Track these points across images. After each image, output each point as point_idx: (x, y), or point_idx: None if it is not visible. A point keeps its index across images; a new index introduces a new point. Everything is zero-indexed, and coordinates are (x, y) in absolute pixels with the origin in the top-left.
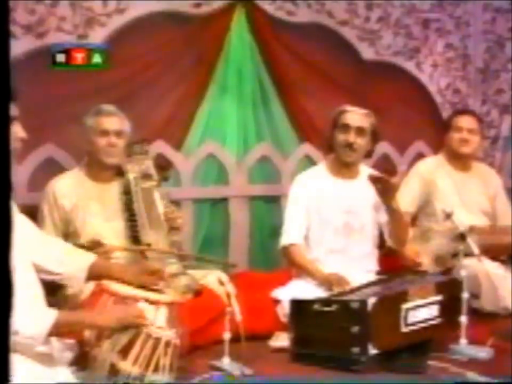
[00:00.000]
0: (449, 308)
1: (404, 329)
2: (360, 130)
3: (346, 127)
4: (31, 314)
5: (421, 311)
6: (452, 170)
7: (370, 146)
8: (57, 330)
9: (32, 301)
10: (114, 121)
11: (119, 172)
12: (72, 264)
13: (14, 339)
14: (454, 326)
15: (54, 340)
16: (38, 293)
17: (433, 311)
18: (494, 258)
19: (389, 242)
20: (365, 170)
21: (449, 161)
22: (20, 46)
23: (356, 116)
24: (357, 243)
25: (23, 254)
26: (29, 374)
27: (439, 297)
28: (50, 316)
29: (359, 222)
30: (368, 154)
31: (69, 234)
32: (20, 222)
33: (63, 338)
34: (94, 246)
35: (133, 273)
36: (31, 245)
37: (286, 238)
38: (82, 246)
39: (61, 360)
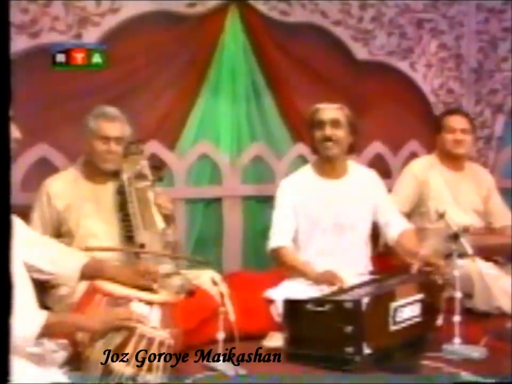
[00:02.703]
0: (428, 306)
1: (392, 328)
2: (335, 122)
3: (321, 123)
4: (22, 315)
5: (405, 311)
6: (444, 170)
7: (350, 138)
8: (48, 332)
9: (23, 302)
10: (116, 127)
11: (115, 173)
12: (65, 264)
13: None
14: (431, 324)
15: (46, 340)
16: (29, 293)
17: (415, 310)
18: (488, 259)
19: (390, 242)
20: (353, 167)
21: (442, 161)
22: (12, 46)
23: (328, 110)
24: (348, 243)
25: (15, 253)
26: (22, 374)
27: (419, 296)
28: (41, 317)
29: (349, 222)
30: (351, 149)
31: (61, 234)
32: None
33: (55, 339)
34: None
35: (126, 274)
36: (23, 245)
37: (274, 241)
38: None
39: (53, 361)
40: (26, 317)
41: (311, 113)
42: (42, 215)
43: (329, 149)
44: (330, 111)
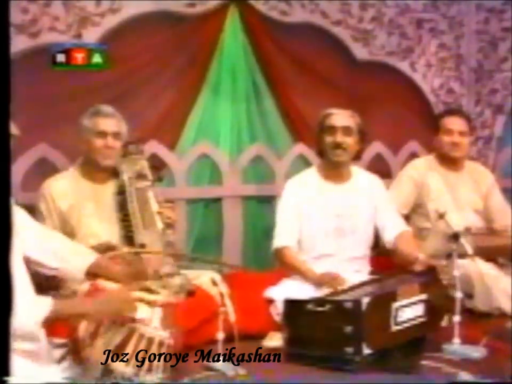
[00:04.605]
0: (432, 307)
1: (394, 329)
2: (346, 130)
3: (332, 129)
4: (25, 305)
5: (407, 311)
6: (443, 171)
7: (359, 146)
8: (54, 318)
9: (24, 291)
10: (112, 122)
11: (114, 172)
12: (72, 262)
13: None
14: (436, 324)
15: (43, 338)
16: (29, 286)
17: (418, 310)
18: (489, 259)
19: (387, 245)
20: (357, 172)
21: (440, 162)
22: (12, 46)
23: (340, 117)
24: (348, 246)
25: (16, 247)
26: (19, 372)
27: (422, 297)
28: (46, 304)
29: (350, 226)
30: (358, 156)
31: (65, 234)
32: (16, 215)
33: (54, 336)
34: (105, 249)
35: (132, 275)
36: (27, 239)
37: (278, 241)
38: (92, 248)
39: (50, 359)
40: (32, 303)
41: (323, 117)
42: (51, 217)
43: (339, 156)
44: (342, 118)
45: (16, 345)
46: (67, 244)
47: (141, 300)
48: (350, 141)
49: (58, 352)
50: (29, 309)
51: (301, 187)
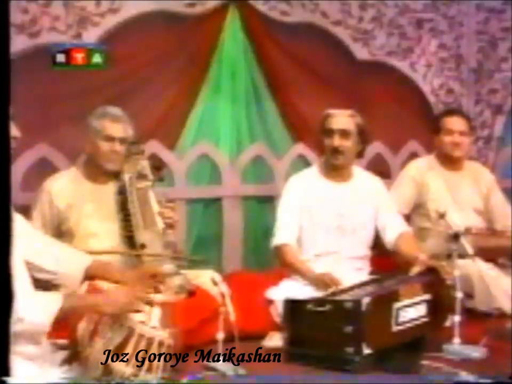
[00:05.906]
0: (435, 307)
1: (395, 329)
2: (344, 133)
3: (330, 131)
4: (36, 301)
5: (410, 311)
6: (443, 171)
7: (360, 147)
8: (64, 315)
9: (30, 291)
10: (120, 127)
11: (115, 173)
12: (69, 265)
13: (20, 327)
14: (440, 325)
15: (45, 340)
16: (31, 288)
17: (421, 310)
18: (490, 260)
19: (388, 245)
20: (359, 172)
21: (441, 162)
22: (12, 46)
23: (339, 119)
24: (349, 245)
25: (16, 252)
26: (21, 373)
27: (426, 297)
28: (57, 300)
29: (351, 225)
30: (360, 155)
31: (62, 233)
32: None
33: (55, 338)
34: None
35: (132, 277)
36: (27, 243)
37: (278, 238)
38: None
39: (52, 360)
40: (42, 301)
41: (323, 118)
42: (43, 214)
43: (336, 160)
44: (340, 119)
45: (19, 348)
46: (62, 247)
47: (140, 300)
48: (348, 144)
49: (61, 354)
50: (40, 306)
51: (303, 185)
